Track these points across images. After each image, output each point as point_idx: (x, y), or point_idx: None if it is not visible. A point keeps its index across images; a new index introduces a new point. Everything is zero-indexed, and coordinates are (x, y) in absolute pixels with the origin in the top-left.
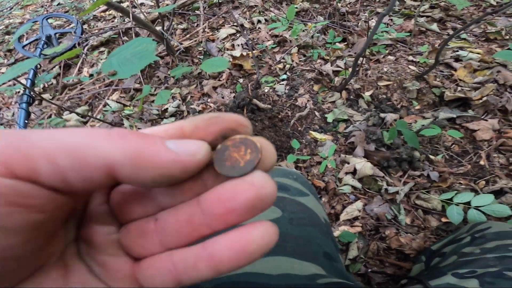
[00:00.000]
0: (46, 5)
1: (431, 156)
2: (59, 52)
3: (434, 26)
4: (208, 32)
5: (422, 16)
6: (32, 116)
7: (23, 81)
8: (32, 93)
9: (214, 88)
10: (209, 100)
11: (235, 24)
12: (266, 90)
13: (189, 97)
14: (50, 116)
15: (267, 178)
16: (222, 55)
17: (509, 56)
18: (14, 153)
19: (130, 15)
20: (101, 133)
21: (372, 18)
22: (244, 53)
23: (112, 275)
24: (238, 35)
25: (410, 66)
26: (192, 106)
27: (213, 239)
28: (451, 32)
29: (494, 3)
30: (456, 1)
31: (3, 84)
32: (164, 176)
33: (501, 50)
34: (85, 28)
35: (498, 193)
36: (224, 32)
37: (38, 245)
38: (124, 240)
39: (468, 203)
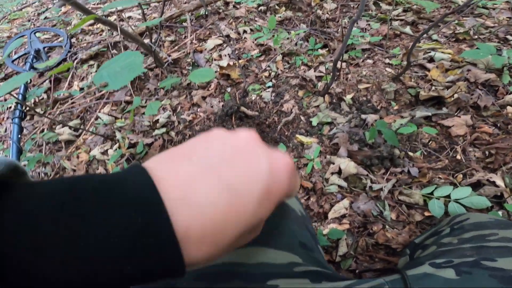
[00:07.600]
0: (33, 19)
1: (410, 153)
2: (50, 66)
3: (408, 29)
4: (195, 44)
5: (397, 20)
6: (25, 131)
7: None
8: (24, 107)
9: (203, 98)
10: (198, 109)
11: (221, 35)
12: (253, 98)
13: (179, 107)
14: (42, 131)
15: None
16: (210, 65)
17: (475, 55)
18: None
19: (118, 28)
20: None
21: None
22: (231, 63)
23: None
24: (225, 45)
25: (387, 69)
26: (182, 116)
27: None
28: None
29: (462, 4)
30: (425, 4)
31: None
32: None
33: (468, 50)
34: (74, 42)
35: (477, 186)
36: (211, 43)
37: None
38: None
39: (448, 196)
